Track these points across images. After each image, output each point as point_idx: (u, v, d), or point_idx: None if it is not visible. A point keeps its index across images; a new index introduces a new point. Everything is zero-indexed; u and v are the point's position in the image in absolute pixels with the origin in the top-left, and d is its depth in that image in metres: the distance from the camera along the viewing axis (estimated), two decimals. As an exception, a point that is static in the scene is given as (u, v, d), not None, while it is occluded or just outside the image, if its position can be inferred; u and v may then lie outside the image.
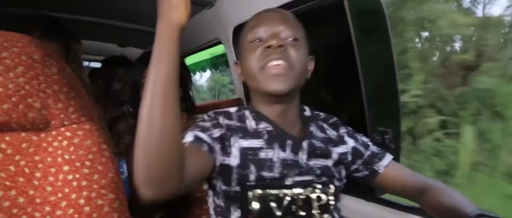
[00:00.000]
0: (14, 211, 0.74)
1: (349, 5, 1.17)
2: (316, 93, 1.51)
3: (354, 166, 0.95)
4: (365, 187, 1.02)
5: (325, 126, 0.97)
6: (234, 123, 0.89)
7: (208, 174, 0.80)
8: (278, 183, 0.83)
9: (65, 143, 0.79)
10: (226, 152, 0.84)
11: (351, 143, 0.95)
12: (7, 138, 0.77)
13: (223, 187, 0.84)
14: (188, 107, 1.57)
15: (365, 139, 0.98)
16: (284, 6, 1.27)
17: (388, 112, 1.27)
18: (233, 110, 0.93)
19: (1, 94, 0.74)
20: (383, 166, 0.94)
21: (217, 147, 0.82)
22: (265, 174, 0.83)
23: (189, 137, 0.80)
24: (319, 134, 0.93)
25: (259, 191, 0.82)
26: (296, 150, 0.86)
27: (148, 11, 1.88)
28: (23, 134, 0.78)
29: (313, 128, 0.92)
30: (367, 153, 0.95)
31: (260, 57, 0.84)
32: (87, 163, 0.78)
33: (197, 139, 0.80)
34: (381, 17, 1.16)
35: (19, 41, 0.78)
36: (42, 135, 0.79)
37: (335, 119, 0.99)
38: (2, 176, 0.75)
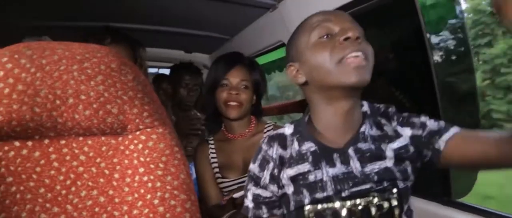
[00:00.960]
0: (96, 209, 0.80)
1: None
2: (383, 94, 1.47)
3: (423, 154, 0.86)
4: (438, 188, 0.95)
5: (383, 121, 0.90)
6: (286, 153, 0.91)
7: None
8: (333, 198, 0.82)
9: (140, 146, 0.83)
10: (280, 185, 0.90)
11: (407, 132, 0.87)
12: (90, 142, 0.83)
13: (285, 211, 0.90)
14: (257, 112, 1.61)
15: (422, 119, 0.87)
16: (345, 6, 1.26)
17: (464, 114, 1.21)
18: (287, 132, 0.94)
19: (84, 102, 0.80)
20: (444, 140, 0.81)
21: (273, 187, 0.91)
22: (318, 195, 0.83)
23: (248, 201, 0.95)
24: (372, 132, 0.87)
25: (313, 207, 0.83)
26: (346, 160, 0.84)
27: (211, 17, 1.98)
28: (103, 138, 0.84)
29: (364, 128, 0.87)
30: (424, 134, 0.85)
31: (336, 50, 0.81)
32: (161, 165, 0.82)
33: (257, 205, 0.93)
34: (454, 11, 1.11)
35: (99, 52, 0.85)
36: (120, 138, 0.85)
37: (391, 109, 0.92)
38: (85, 177, 0.81)
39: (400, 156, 0.84)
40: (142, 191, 0.81)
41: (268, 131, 1.55)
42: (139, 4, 1.85)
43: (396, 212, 0.82)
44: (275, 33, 1.86)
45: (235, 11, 1.86)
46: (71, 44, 0.84)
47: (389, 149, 0.85)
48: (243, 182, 1.48)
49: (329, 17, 0.86)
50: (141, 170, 0.82)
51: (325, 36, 0.84)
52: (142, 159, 0.82)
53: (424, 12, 1.12)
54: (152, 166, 0.82)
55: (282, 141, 0.93)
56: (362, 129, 0.87)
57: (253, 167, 0.94)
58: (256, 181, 0.93)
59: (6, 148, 0.78)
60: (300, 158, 0.88)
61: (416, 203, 1.08)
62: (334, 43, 0.82)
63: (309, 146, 0.88)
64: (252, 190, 0.94)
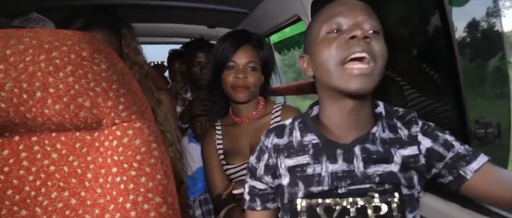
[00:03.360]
0: (67, 212, 0.74)
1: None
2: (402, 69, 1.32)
3: (434, 170, 0.80)
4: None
5: (398, 124, 0.84)
6: (282, 141, 0.90)
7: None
8: (328, 193, 0.78)
9: (115, 142, 0.76)
10: (276, 175, 0.89)
11: (426, 143, 0.80)
12: (63, 138, 0.77)
13: (279, 204, 0.89)
14: (265, 92, 1.52)
15: (449, 137, 0.81)
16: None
17: (493, 97, 1.03)
18: (287, 122, 0.94)
19: (53, 95, 0.73)
20: (471, 171, 0.76)
21: (267, 178, 0.90)
22: (313, 189, 0.80)
23: (245, 193, 0.96)
24: (384, 134, 0.81)
25: (306, 201, 0.80)
26: (349, 158, 0.78)
27: None
28: (77, 134, 0.77)
29: (375, 129, 0.81)
30: (449, 155, 0.78)
31: (341, 49, 0.75)
32: (135, 164, 0.74)
33: (252, 197, 0.94)
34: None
35: (69, 39, 0.77)
36: (95, 134, 0.78)
37: (412, 115, 0.85)
38: (57, 177, 0.75)
39: (407, 164, 0.79)
40: (114, 193, 0.73)
41: (276, 112, 1.45)
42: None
43: (396, 216, 0.76)
44: (291, 7, 1.77)
45: None
46: (40, 31, 0.77)
47: (398, 154, 0.79)
48: None
49: (343, 10, 0.79)
50: (114, 169, 0.74)
51: (333, 32, 0.79)
52: (115, 158, 0.75)
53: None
54: (125, 165, 0.74)
55: (279, 131, 0.92)
56: (373, 130, 0.81)
57: (252, 159, 0.96)
58: (253, 172, 0.94)
59: (-29, 146, 0.74)
60: (301, 149, 0.86)
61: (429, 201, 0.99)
62: (340, 40, 0.76)
63: (311, 138, 0.86)
64: (249, 182, 0.96)
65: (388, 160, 0.78)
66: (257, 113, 1.47)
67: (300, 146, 0.86)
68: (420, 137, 0.81)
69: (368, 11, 0.80)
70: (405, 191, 0.77)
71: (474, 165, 0.76)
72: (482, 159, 0.76)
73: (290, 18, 1.91)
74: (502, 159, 0.78)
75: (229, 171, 1.45)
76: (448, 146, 0.79)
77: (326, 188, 0.79)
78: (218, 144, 1.50)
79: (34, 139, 0.76)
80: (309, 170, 0.82)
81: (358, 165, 0.78)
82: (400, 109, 0.87)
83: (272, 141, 0.91)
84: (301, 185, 0.82)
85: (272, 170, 0.89)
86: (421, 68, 1.37)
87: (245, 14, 2.31)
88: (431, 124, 0.84)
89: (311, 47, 0.85)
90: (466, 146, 0.80)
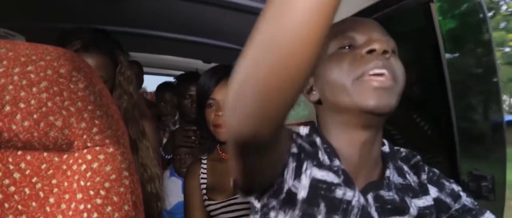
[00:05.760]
0: (21, 239, 0.68)
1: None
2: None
3: None
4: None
5: (405, 167, 0.74)
6: (307, 146, 0.71)
7: (275, 176, 0.65)
8: None
9: (84, 167, 0.71)
10: (297, 175, 0.67)
11: (433, 192, 0.72)
12: (29, 157, 0.71)
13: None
14: None
15: (455, 187, 0.73)
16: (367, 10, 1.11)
17: (488, 147, 0.99)
18: (303, 131, 0.76)
19: (23, 111, 0.69)
20: None
21: (292, 164, 0.67)
22: (337, 216, 0.65)
23: None
24: (396, 179, 0.71)
25: None
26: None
27: (233, 29, 1.90)
28: (45, 154, 0.72)
29: (389, 172, 0.70)
30: (455, 207, 0.71)
31: (356, 64, 0.66)
32: (102, 192, 0.69)
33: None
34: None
35: (49, 54, 0.73)
36: (65, 156, 0.72)
37: (417, 158, 0.77)
38: (16, 199, 0.69)
39: (423, 215, 0.68)
40: (76, 222, 0.67)
41: None
42: (156, 10, 1.80)
43: None
44: None
45: (250, 21, 1.72)
46: (18, 44, 0.74)
47: (414, 205, 0.68)
48: (231, 204, 1.35)
49: (355, 26, 0.70)
50: (79, 196, 0.68)
51: (346, 48, 0.69)
52: (82, 183, 0.69)
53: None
54: (91, 192, 0.68)
55: (297, 133, 0.75)
56: (387, 173, 0.70)
57: None
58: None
59: None
60: (330, 168, 0.69)
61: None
62: (355, 55, 0.66)
63: (338, 164, 0.69)
64: None
65: (404, 211, 0.68)
66: None
67: (328, 166, 0.69)
68: (429, 186, 0.73)
69: (383, 29, 0.72)
70: None
71: None
72: (489, 216, 0.69)
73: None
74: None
75: (210, 207, 1.38)
76: (455, 196, 0.72)
77: None
78: (202, 178, 1.44)
79: (-2, 155, 0.71)
80: (339, 192, 0.66)
81: (373, 215, 0.67)
82: (402, 149, 0.79)
83: (296, 138, 0.72)
84: (322, 207, 0.66)
85: (298, 163, 0.68)
86: (412, 118, 1.34)
87: (240, 52, 2.29)
88: (436, 170, 0.76)
89: (317, 66, 0.72)
90: (472, 199, 0.73)
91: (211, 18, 1.85)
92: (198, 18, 1.86)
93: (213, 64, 2.64)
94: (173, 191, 1.83)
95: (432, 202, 0.70)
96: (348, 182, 0.68)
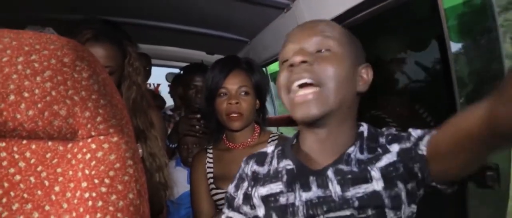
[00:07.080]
0: (27, 227, 0.68)
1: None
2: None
3: (414, 172, 0.71)
4: None
5: (381, 141, 0.78)
6: (262, 169, 0.84)
7: None
8: None
9: (88, 156, 0.71)
10: (253, 206, 0.82)
11: (395, 147, 0.74)
12: (33, 146, 0.72)
13: None
14: (262, 120, 1.49)
15: (409, 131, 0.74)
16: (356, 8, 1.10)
17: None
18: (270, 149, 0.88)
19: (27, 100, 0.69)
20: (424, 144, 0.69)
21: (246, 208, 0.84)
22: None
23: None
24: (361, 156, 0.75)
25: None
26: (324, 184, 0.72)
27: (230, 18, 1.91)
28: (49, 143, 0.72)
29: (351, 149, 0.75)
30: (410, 145, 0.71)
31: (286, 79, 0.75)
32: (107, 180, 0.69)
33: None
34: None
35: (52, 43, 0.73)
36: (69, 145, 0.73)
37: (390, 130, 0.79)
38: (21, 188, 0.70)
39: (388, 175, 0.70)
40: (81, 210, 0.68)
41: (272, 141, 1.42)
42: (159, 1, 1.80)
43: None
44: None
45: (251, 11, 1.79)
46: (22, 33, 0.74)
47: (375, 169, 0.72)
48: None
49: (293, 36, 0.79)
50: (84, 184, 0.69)
51: (283, 61, 0.78)
52: (86, 172, 0.70)
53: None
54: (96, 181, 0.69)
55: (260, 158, 0.87)
56: (348, 150, 0.75)
57: (230, 187, 0.90)
58: (230, 202, 0.89)
59: None
60: (274, 176, 0.81)
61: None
62: (285, 69, 0.76)
63: (286, 164, 0.80)
64: (226, 213, 0.88)
65: (366, 178, 0.71)
66: (252, 140, 1.44)
67: (274, 172, 0.81)
68: (388, 145, 0.75)
69: (318, 30, 0.76)
70: (390, 215, 0.69)
71: (427, 138, 0.69)
72: (433, 132, 0.70)
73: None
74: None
75: (217, 196, 1.40)
76: (408, 137, 0.73)
77: None
78: (208, 167, 1.45)
79: (2, 144, 0.71)
80: (282, 200, 0.76)
81: (335, 190, 0.72)
82: (384, 129, 0.81)
83: (251, 167, 0.86)
84: (275, 217, 0.76)
85: (250, 200, 0.84)
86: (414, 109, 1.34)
87: (244, 43, 2.33)
88: (393, 130, 0.79)
89: None
90: (426, 130, 0.73)
91: (215, 9, 1.86)
92: (201, 9, 1.87)
93: (216, 56, 2.66)
94: (179, 181, 1.84)
95: (392, 159, 0.72)
96: (290, 182, 0.76)
